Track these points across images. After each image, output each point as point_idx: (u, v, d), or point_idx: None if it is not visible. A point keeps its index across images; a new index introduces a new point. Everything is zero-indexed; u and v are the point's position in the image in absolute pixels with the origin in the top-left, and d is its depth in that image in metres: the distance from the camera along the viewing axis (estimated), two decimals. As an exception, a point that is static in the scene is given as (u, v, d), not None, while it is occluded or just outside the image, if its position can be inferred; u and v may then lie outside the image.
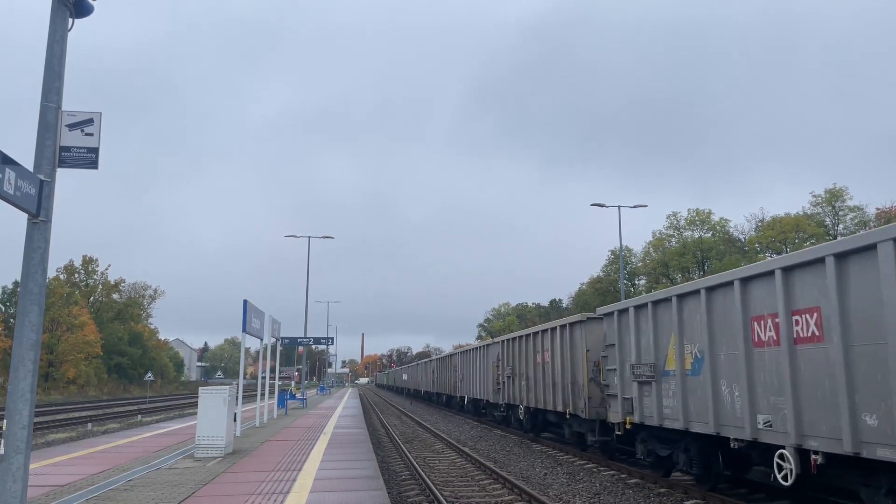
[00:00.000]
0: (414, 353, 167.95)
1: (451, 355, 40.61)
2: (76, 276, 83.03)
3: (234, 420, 16.71)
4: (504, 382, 25.13)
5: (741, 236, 65.32)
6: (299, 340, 40.23)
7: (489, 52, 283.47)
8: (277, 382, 34.15)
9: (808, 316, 8.96)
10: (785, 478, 9.30)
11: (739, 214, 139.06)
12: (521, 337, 23.33)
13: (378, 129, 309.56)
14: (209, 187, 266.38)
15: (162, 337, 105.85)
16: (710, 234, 65.43)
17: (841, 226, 57.30)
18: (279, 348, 29.97)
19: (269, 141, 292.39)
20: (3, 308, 69.93)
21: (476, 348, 32.28)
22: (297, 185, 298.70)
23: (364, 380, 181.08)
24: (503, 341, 25.85)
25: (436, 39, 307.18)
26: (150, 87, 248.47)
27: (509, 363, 24.46)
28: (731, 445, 10.58)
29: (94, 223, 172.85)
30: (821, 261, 8.67)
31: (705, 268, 61.50)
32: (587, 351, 17.10)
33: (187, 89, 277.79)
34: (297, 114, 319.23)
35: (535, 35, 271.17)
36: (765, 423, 9.70)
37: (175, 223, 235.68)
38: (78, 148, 7.28)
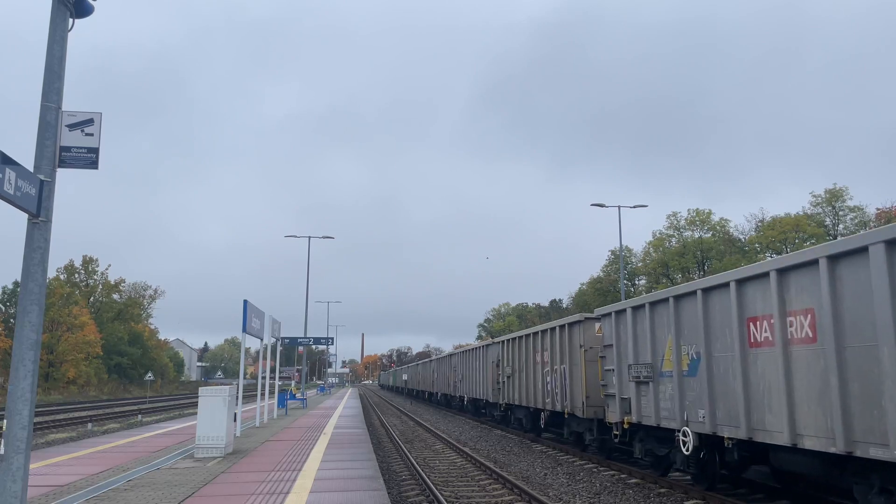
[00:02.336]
0: (414, 353, 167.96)
1: (533, 334, 22.23)
2: (76, 276, 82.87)
3: (235, 420, 16.71)
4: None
5: (741, 236, 65.29)
6: (299, 340, 40.23)
7: (497, 52, 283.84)
8: (277, 382, 34.15)
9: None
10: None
11: (740, 214, 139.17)
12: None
13: (385, 129, 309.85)
14: (212, 187, 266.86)
15: (162, 337, 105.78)
16: (710, 235, 65.40)
17: (841, 226, 57.22)
18: (279, 348, 29.98)
19: (276, 141, 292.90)
20: (3, 308, 69.89)
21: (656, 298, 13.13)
22: (301, 185, 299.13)
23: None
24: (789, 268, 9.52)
25: (443, 40, 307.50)
26: (160, 88, 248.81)
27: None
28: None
29: (94, 223, 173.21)
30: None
31: (705, 268, 61.46)
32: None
33: (196, 90, 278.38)
34: (304, 114, 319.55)
35: (543, 35, 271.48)
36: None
37: (176, 223, 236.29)
38: (78, 148, 7.28)
